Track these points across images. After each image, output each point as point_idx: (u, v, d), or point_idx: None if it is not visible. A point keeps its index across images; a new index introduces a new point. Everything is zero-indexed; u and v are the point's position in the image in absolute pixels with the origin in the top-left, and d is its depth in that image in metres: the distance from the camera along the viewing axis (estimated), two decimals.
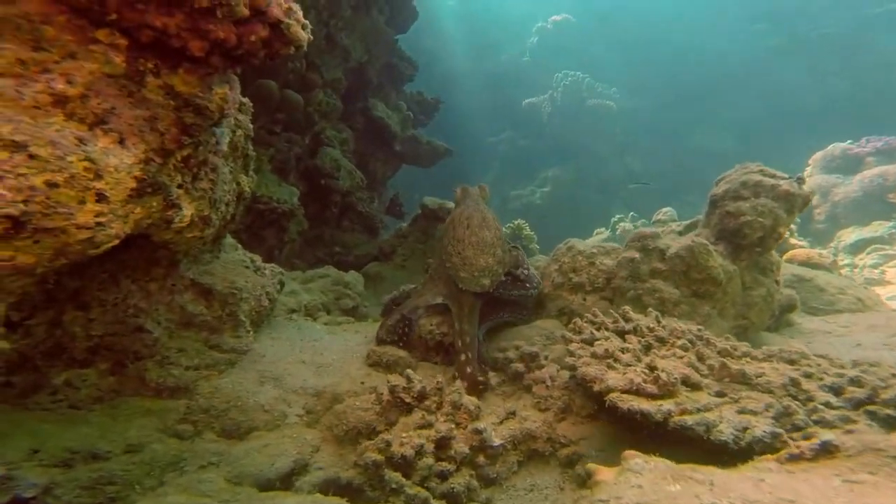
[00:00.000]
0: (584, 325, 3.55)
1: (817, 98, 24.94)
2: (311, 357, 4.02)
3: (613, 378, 2.79)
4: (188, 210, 2.86)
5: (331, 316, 5.31)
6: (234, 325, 3.86)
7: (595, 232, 19.31)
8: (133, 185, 2.32)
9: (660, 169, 26.15)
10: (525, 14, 33.79)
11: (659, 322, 3.48)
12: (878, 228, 12.38)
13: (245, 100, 3.77)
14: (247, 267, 4.25)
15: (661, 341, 3.25)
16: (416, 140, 13.13)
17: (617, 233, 18.39)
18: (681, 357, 3.02)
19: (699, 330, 3.33)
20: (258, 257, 4.63)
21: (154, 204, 2.55)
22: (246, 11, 2.37)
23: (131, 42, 2.29)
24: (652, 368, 2.81)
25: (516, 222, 13.43)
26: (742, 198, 4.34)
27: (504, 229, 13.71)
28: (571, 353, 3.28)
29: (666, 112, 27.56)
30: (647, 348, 3.22)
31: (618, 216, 19.27)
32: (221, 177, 3.26)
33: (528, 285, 4.41)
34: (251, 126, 3.87)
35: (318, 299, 5.43)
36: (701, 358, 2.98)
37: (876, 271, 10.77)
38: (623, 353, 3.08)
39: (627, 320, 3.50)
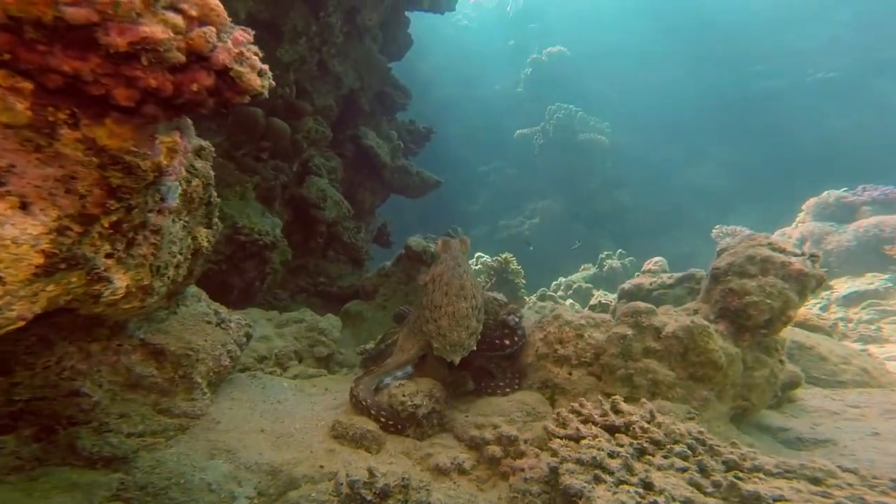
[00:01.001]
0: (570, 416, 3.26)
1: (815, 142, 25.14)
2: (272, 425, 3.68)
3: (602, 499, 2.46)
4: (122, 281, 2.49)
5: (302, 366, 5.04)
6: (189, 387, 3.53)
7: (581, 267, 19.18)
8: (40, 260, 1.96)
9: (650, 204, 26.21)
10: (520, 46, 34.16)
11: (653, 418, 3.14)
12: (873, 281, 12.02)
13: (205, 143, 3.45)
14: (209, 322, 3.93)
15: (657, 445, 2.92)
16: (405, 171, 12.94)
17: (604, 269, 18.23)
18: (681, 469, 2.72)
19: (700, 432, 2.99)
20: (223, 309, 4.30)
21: (73, 280, 2.19)
22: (182, 58, 1.99)
23: (38, 87, 1.91)
24: (648, 487, 2.51)
25: (503, 256, 13.20)
26: (748, 274, 4.04)
27: (491, 263, 13.60)
28: (554, 453, 2.96)
29: (658, 147, 27.81)
30: (641, 453, 2.89)
31: (605, 252, 19.15)
32: (169, 237, 2.88)
33: (507, 342, 4.44)
34: (212, 173, 3.51)
35: (290, 346, 5.13)
36: (704, 471, 2.65)
37: (872, 328, 10.39)
38: (612, 458, 2.77)
39: (618, 413, 3.18)
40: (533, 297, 13.54)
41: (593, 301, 10.91)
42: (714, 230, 16.79)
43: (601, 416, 3.20)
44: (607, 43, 31.17)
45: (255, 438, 3.45)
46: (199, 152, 3.36)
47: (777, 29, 27.27)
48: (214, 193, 3.63)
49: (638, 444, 2.93)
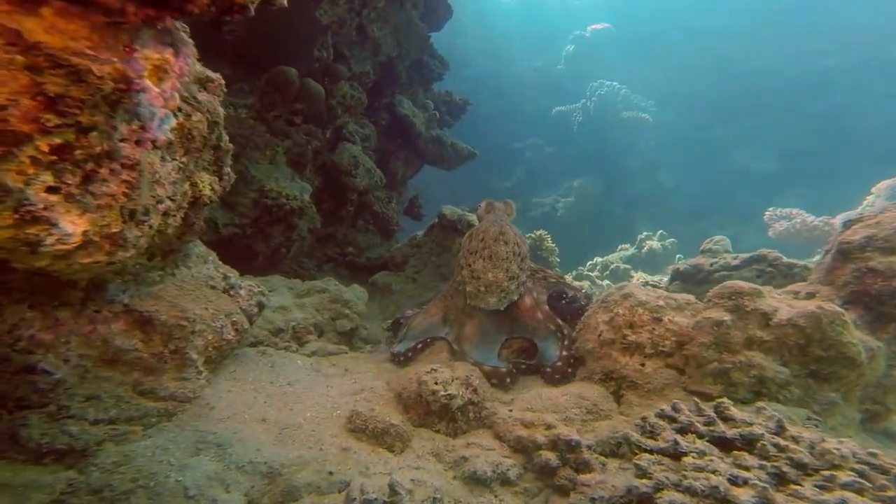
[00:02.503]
0: (660, 423, 2.65)
1: (879, 125, 23.56)
2: (277, 412, 3.12)
3: None
4: (75, 226, 1.88)
5: (322, 340, 4.65)
6: (180, 364, 3.03)
7: (619, 248, 18.53)
8: None
9: (692, 187, 25.24)
10: (563, 22, 33.07)
11: (782, 430, 2.39)
12: None
13: (214, 75, 2.98)
14: (213, 287, 3.48)
15: (803, 469, 2.17)
16: (440, 141, 12.46)
17: (643, 250, 17.54)
18: None
19: (871, 454, 2.27)
20: (234, 273, 3.86)
21: None
22: None
23: None
24: None
25: (538, 233, 12.68)
26: None
27: (525, 239, 13.06)
28: (644, 473, 2.31)
29: (705, 128, 26.65)
30: (780, 481, 2.15)
31: (645, 233, 18.38)
32: (153, 177, 2.34)
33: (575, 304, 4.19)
34: (221, 111, 3.03)
35: (310, 318, 4.73)
36: None
37: None
38: (738, 487, 2.03)
39: (728, 420, 2.50)
40: (568, 277, 13.00)
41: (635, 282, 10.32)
42: (767, 213, 15.94)
43: (706, 424, 2.54)
44: (655, 20, 29.86)
45: (254, 429, 2.91)
46: (204, 83, 2.91)
47: (843, 4, 25.61)
48: (226, 138, 3.20)
49: (773, 467, 2.21)
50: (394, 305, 6.69)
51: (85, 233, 1.93)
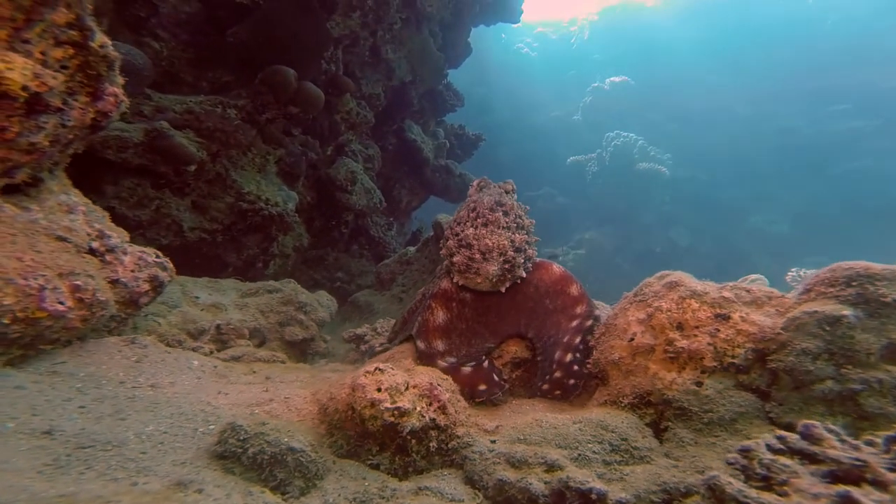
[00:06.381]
0: (782, 461, 1.60)
1: None
2: (93, 424, 1.98)
3: None
4: None
5: (264, 349, 3.67)
6: None
7: None
8: None
9: (707, 247, 24.40)
10: (581, 76, 33.26)
11: None
12: None
13: None
14: (61, 239, 2.49)
15: None
16: (448, 171, 11.87)
17: None
18: None
19: None
20: (118, 232, 2.92)
21: None
22: None
23: None
24: None
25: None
26: None
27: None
28: None
29: (722, 187, 26.04)
30: None
31: None
32: None
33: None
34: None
35: (249, 321, 3.77)
36: None
37: None
38: None
39: None
40: None
41: None
42: (789, 274, 15.07)
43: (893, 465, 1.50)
44: (674, 77, 29.70)
45: (15, 445, 1.77)
46: None
47: (867, 67, 25.25)
48: (109, 43, 2.43)
49: None
50: None
51: None
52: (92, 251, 2.65)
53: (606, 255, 24.69)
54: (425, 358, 2.87)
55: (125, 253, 2.83)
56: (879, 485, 1.47)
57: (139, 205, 5.57)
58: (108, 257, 2.71)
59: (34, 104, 2.29)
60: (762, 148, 26.11)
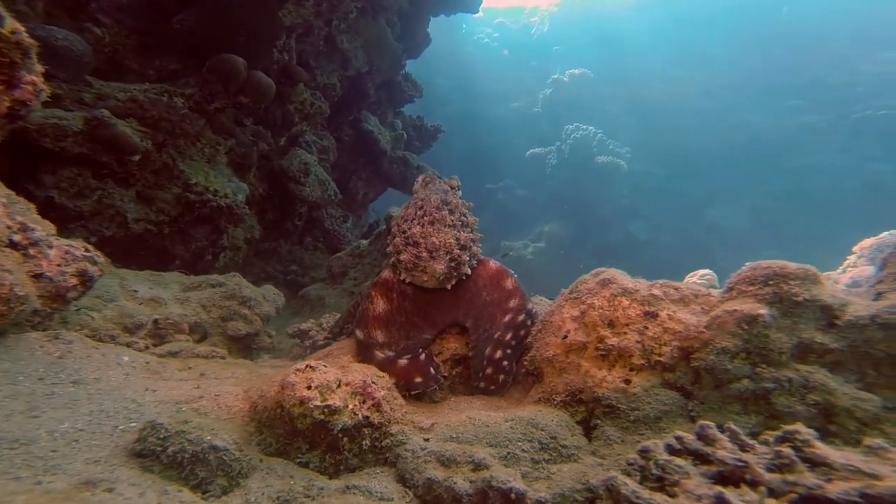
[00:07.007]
0: (676, 462, 1.63)
1: (855, 184, 23.40)
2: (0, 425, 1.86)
3: None
4: None
5: (204, 345, 3.56)
6: None
7: None
8: None
9: (664, 240, 24.93)
10: (542, 67, 33.45)
11: None
12: None
13: None
14: None
15: None
16: (405, 162, 11.81)
17: None
18: None
19: None
20: (49, 228, 2.82)
21: None
22: None
23: None
24: None
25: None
26: None
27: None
28: None
29: (678, 180, 26.55)
30: None
31: None
32: None
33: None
34: None
35: (190, 316, 3.66)
36: None
37: None
38: None
39: (818, 466, 1.51)
40: None
41: None
42: (745, 267, 15.57)
43: (773, 469, 1.55)
44: (633, 69, 30.10)
45: None
46: None
47: (818, 63, 26.12)
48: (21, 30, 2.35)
49: None
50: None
51: None
52: (13, 244, 2.53)
53: (566, 248, 24.98)
54: (363, 348, 2.87)
55: (50, 247, 2.71)
56: (756, 485, 1.53)
57: (80, 195, 5.37)
58: (31, 251, 2.60)
59: None
60: (720, 141, 26.66)
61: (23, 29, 2.46)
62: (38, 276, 2.58)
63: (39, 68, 2.58)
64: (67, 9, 5.87)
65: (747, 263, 2.44)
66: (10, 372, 2.30)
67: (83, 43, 5.43)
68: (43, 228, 2.71)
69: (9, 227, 2.52)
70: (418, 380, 2.67)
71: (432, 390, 2.74)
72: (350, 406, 2.11)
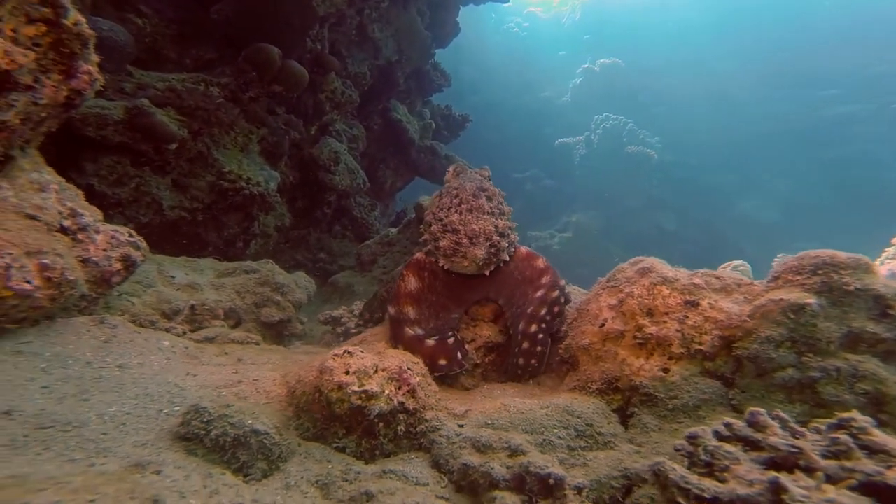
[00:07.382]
0: (726, 448, 1.62)
1: (892, 176, 22.80)
2: (54, 405, 1.97)
3: None
4: None
5: (239, 330, 3.67)
6: None
7: None
8: None
9: (694, 231, 24.52)
10: (572, 57, 33.03)
11: None
12: None
13: None
14: (31, 217, 2.47)
15: None
16: (433, 151, 11.81)
17: None
18: None
19: None
20: (93, 211, 2.90)
21: None
22: None
23: None
24: None
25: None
26: None
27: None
28: None
29: (709, 172, 26.09)
30: None
31: None
32: None
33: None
34: None
35: (225, 302, 3.77)
36: None
37: None
38: None
39: (877, 454, 1.51)
40: None
41: None
42: (776, 260, 15.23)
43: (828, 456, 1.54)
44: (665, 59, 29.56)
45: None
46: None
47: (858, 52, 25.24)
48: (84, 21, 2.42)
49: None
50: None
51: None
52: (63, 229, 2.64)
53: (593, 238, 24.77)
54: (394, 323, 2.95)
55: (97, 232, 2.82)
56: (811, 471, 1.52)
57: (119, 182, 5.53)
58: (79, 236, 2.71)
59: (3, 82, 2.28)
60: (753, 132, 26.12)
61: (84, 20, 2.55)
62: (85, 261, 2.70)
63: (95, 58, 2.68)
64: (112, 1, 6.02)
65: (789, 254, 2.40)
66: (60, 356, 2.41)
67: (126, 33, 5.57)
68: (90, 214, 2.83)
69: (60, 213, 2.63)
70: (442, 362, 2.72)
71: (454, 375, 2.79)
72: (386, 391, 2.16)
